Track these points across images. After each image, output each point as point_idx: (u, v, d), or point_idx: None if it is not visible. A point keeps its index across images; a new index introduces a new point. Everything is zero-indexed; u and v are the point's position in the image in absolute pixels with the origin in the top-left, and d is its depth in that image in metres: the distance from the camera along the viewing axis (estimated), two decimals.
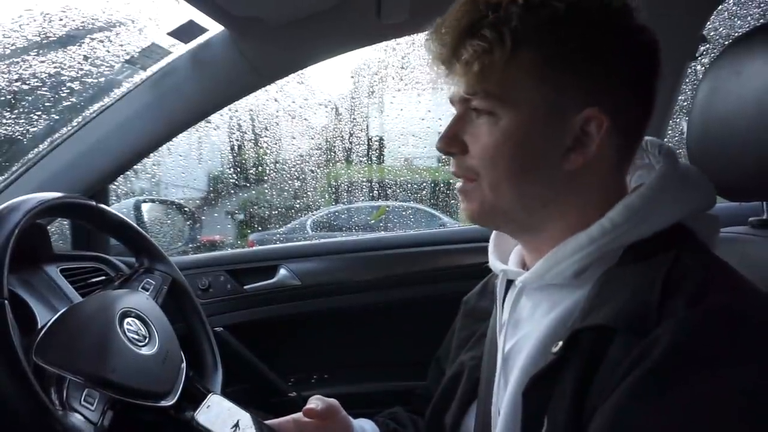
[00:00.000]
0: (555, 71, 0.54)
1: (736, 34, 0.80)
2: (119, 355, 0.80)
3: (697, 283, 0.49)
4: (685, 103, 1.40)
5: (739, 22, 1.52)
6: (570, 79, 0.54)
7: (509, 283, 0.67)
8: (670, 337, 0.46)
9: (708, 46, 1.20)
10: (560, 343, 0.52)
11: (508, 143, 0.56)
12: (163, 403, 0.85)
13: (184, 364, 0.96)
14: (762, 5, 1.54)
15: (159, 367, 0.87)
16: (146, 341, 0.88)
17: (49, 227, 1.16)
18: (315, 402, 0.73)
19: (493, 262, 0.70)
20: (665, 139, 1.38)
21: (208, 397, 0.87)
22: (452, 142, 0.60)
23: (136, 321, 0.89)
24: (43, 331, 0.75)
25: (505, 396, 0.59)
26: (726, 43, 0.76)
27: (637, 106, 0.58)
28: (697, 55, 1.20)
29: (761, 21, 1.52)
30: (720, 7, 1.19)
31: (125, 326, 0.85)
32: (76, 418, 0.71)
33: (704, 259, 0.54)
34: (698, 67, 1.30)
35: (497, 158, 0.56)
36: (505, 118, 0.55)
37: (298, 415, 0.76)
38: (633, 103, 0.57)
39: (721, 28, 1.49)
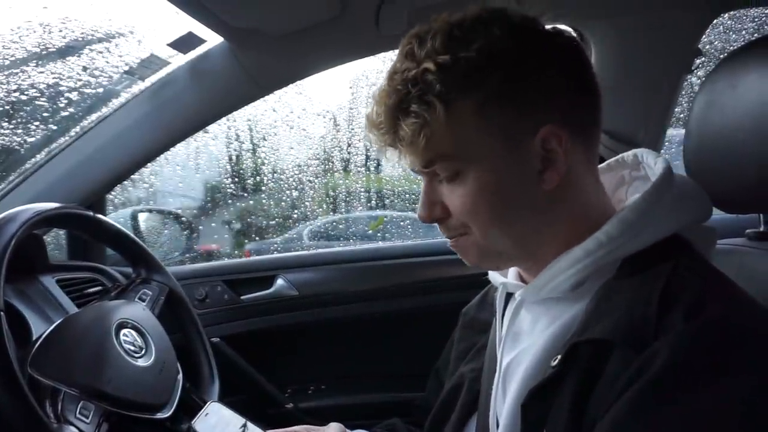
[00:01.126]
0: (493, 112, 0.55)
1: (732, 48, 0.81)
2: (115, 367, 0.80)
3: (694, 296, 0.49)
4: (682, 115, 1.41)
5: (734, 36, 1.54)
6: (511, 111, 0.56)
7: (509, 295, 0.67)
8: (668, 352, 0.46)
9: (703, 59, 1.21)
10: (559, 357, 0.52)
11: (484, 194, 0.57)
12: (159, 416, 0.84)
13: (180, 376, 0.96)
14: (757, 20, 1.56)
15: (155, 379, 0.86)
16: (143, 352, 0.87)
17: (45, 237, 1.16)
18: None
19: (493, 275, 0.70)
20: (661, 151, 1.39)
21: (207, 404, 0.87)
22: (432, 209, 0.61)
23: (133, 332, 0.88)
24: (38, 343, 0.75)
25: (504, 408, 0.59)
26: (721, 56, 0.77)
27: (581, 103, 0.59)
28: (692, 68, 1.21)
29: (756, 35, 1.53)
30: (715, 21, 1.21)
31: (121, 337, 0.85)
32: (71, 431, 0.71)
33: (701, 271, 0.54)
34: (694, 80, 1.31)
35: (479, 210, 0.58)
36: (470, 173, 0.57)
37: (298, 428, 0.76)
38: (576, 103, 0.58)
39: (717, 42, 1.50)
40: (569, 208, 0.59)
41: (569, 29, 0.61)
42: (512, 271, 0.69)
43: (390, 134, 0.58)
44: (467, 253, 0.62)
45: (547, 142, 0.56)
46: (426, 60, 0.55)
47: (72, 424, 0.71)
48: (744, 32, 1.55)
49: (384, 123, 0.58)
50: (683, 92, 1.28)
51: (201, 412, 0.84)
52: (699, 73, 1.23)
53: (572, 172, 0.58)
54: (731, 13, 1.45)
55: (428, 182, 0.61)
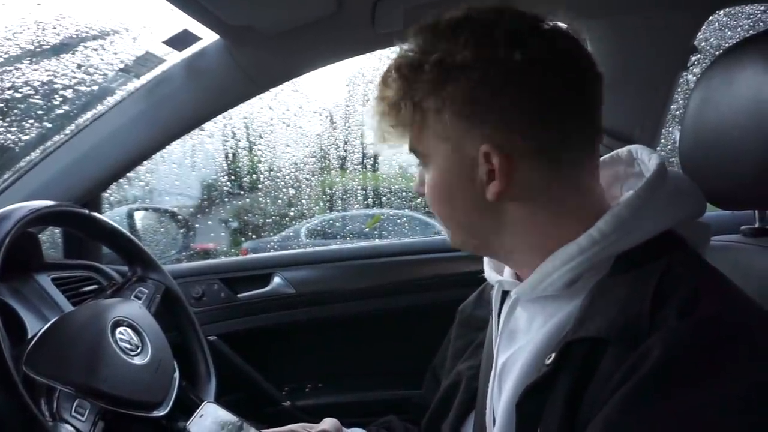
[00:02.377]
0: (446, 119, 0.57)
1: (727, 45, 0.81)
2: (111, 365, 0.80)
3: (687, 293, 0.49)
4: (678, 112, 1.42)
5: (729, 32, 1.54)
6: (459, 124, 0.57)
7: (505, 293, 0.68)
8: (661, 348, 0.45)
9: (699, 56, 1.21)
10: (553, 355, 0.52)
11: (437, 190, 0.62)
12: (156, 414, 0.84)
13: (176, 374, 0.95)
14: (752, 16, 1.57)
15: (151, 377, 0.86)
16: (138, 351, 0.87)
17: (40, 235, 1.15)
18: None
19: (489, 273, 0.70)
20: (657, 148, 1.40)
21: (201, 405, 0.86)
22: (420, 186, 0.66)
23: (129, 330, 0.88)
24: (33, 341, 0.74)
25: (499, 406, 0.59)
26: (717, 53, 0.77)
27: (542, 122, 0.56)
28: (688, 65, 1.21)
29: (751, 32, 1.54)
30: (711, 18, 1.21)
31: (117, 336, 0.85)
32: (67, 429, 0.71)
33: (695, 268, 0.54)
34: (690, 77, 1.31)
35: (433, 200, 0.63)
36: (429, 168, 0.62)
37: (295, 426, 0.75)
38: (536, 121, 0.56)
39: (712, 39, 1.51)
40: (527, 215, 0.59)
41: (572, 38, 0.60)
42: (508, 269, 0.69)
43: (383, 122, 0.63)
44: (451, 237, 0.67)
45: (489, 157, 0.56)
46: (403, 57, 0.59)
47: (67, 422, 0.71)
48: (739, 29, 1.55)
49: (378, 115, 0.63)
50: (679, 89, 1.28)
51: (196, 413, 0.84)
52: (695, 70, 1.23)
53: (521, 188, 0.57)
54: (726, 10, 1.46)
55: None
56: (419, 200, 2.24)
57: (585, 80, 0.59)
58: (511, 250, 0.62)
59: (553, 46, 0.57)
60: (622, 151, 0.67)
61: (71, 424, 0.71)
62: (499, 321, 0.66)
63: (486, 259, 0.71)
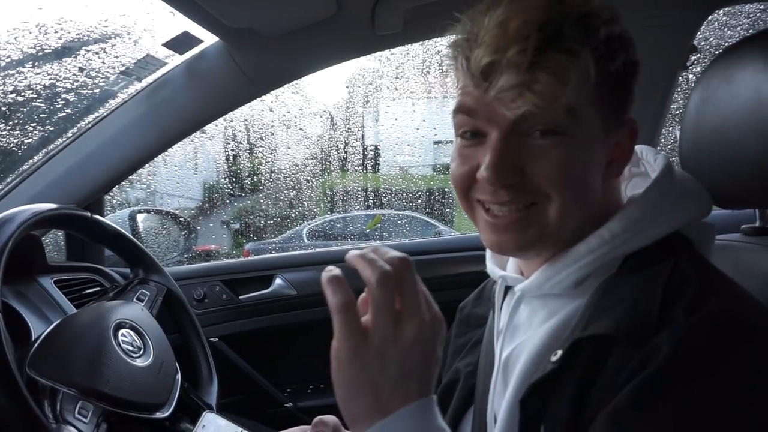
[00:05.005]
0: (610, 88, 0.54)
1: (727, 44, 0.81)
2: (113, 367, 0.80)
3: (695, 291, 0.50)
4: (678, 112, 1.42)
5: (729, 32, 1.54)
6: (620, 94, 0.56)
7: (507, 289, 0.67)
8: (669, 346, 0.46)
9: (699, 55, 1.21)
10: (559, 353, 0.52)
11: (580, 162, 0.53)
12: (158, 415, 0.84)
13: (179, 376, 0.96)
14: (751, 15, 1.57)
15: (154, 379, 0.86)
16: (141, 353, 0.87)
17: (43, 238, 1.16)
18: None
19: (492, 268, 0.70)
20: (658, 147, 1.40)
21: (202, 416, 0.86)
22: (511, 171, 0.53)
23: (131, 332, 0.88)
24: (36, 344, 0.75)
25: (502, 403, 0.59)
26: (716, 52, 0.77)
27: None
28: (688, 64, 1.21)
29: (751, 31, 1.54)
30: (710, 17, 1.21)
31: (120, 338, 0.85)
32: (70, 431, 0.71)
33: (702, 268, 0.54)
34: (690, 76, 1.31)
35: (570, 178, 0.53)
36: (576, 136, 0.52)
37: (300, 428, 0.75)
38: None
39: (712, 38, 1.51)
40: (601, 202, 0.59)
41: None
42: (511, 264, 0.69)
43: (522, 69, 0.49)
44: (529, 227, 0.55)
45: (623, 136, 0.57)
46: (597, 5, 0.52)
47: (71, 424, 0.71)
48: (739, 28, 1.55)
49: (526, 53, 0.49)
50: (679, 89, 1.28)
51: (197, 425, 0.84)
52: (695, 69, 1.23)
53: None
54: (726, 9, 1.46)
55: (505, 137, 0.53)
56: (420, 200, 2.24)
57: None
58: (556, 242, 0.58)
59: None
60: None
61: (74, 426, 0.71)
62: (500, 317, 0.66)
63: (489, 255, 0.71)
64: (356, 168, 2.15)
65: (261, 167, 2.13)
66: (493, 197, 0.55)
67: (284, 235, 2.40)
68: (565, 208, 0.54)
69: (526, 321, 0.62)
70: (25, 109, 1.34)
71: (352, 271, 0.51)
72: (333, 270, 0.49)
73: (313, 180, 2.14)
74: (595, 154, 0.54)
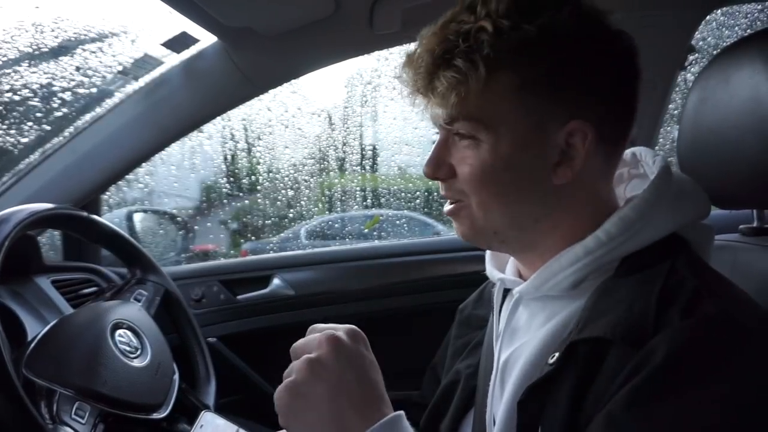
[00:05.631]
0: (533, 92, 0.54)
1: (724, 44, 0.81)
2: (111, 368, 0.80)
3: (691, 294, 0.50)
4: (676, 111, 1.42)
5: (727, 32, 1.55)
6: (549, 97, 0.55)
7: (506, 291, 0.67)
8: (666, 348, 0.46)
9: (697, 55, 1.22)
10: (556, 355, 0.52)
11: (494, 165, 0.56)
12: (156, 416, 0.84)
13: (176, 376, 0.95)
14: (749, 15, 1.57)
15: (151, 379, 0.86)
16: (138, 353, 0.87)
17: (40, 238, 1.15)
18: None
19: (490, 271, 0.70)
20: (656, 148, 1.40)
21: (200, 416, 0.86)
22: (439, 167, 0.59)
23: (128, 332, 0.88)
24: (33, 344, 0.74)
25: (501, 405, 0.59)
26: (714, 52, 0.77)
27: (619, 112, 0.58)
28: (686, 64, 1.22)
29: (749, 31, 1.54)
30: (708, 17, 1.21)
31: (117, 338, 0.85)
32: None
33: (699, 270, 0.54)
34: (688, 76, 1.31)
35: (484, 181, 0.57)
36: (487, 141, 0.56)
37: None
38: (615, 110, 0.58)
39: (710, 38, 1.51)
40: (574, 207, 0.58)
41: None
42: (510, 267, 0.69)
43: (425, 80, 0.56)
44: (461, 222, 0.61)
45: (571, 136, 0.55)
46: (485, 19, 0.53)
47: (67, 424, 0.71)
48: (737, 28, 1.56)
49: (423, 68, 0.56)
50: (677, 89, 1.29)
51: (195, 424, 0.84)
52: (692, 69, 1.23)
53: (586, 174, 0.57)
54: (724, 9, 1.46)
55: (443, 139, 0.59)
56: (418, 201, 2.24)
57: (638, 74, 0.59)
58: (533, 245, 0.60)
59: (631, 48, 0.58)
60: (627, 152, 0.67)
61: (71, 427, 0.71)
62: (499, 319, 0.66)
63: (488, 257, 0.71)
64: (354, 168, 2.15)
65: (259, 167, 2.12)
66: (441, 190, 0.62)
67: (282, 234, 2.39)
68: (485, 206, 0.58)
69: (525, 323, 0.62)
70: (21, 108, 1.34)
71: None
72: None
73: (311, 180, 2.14)
74: (518, 155, 0.56)
